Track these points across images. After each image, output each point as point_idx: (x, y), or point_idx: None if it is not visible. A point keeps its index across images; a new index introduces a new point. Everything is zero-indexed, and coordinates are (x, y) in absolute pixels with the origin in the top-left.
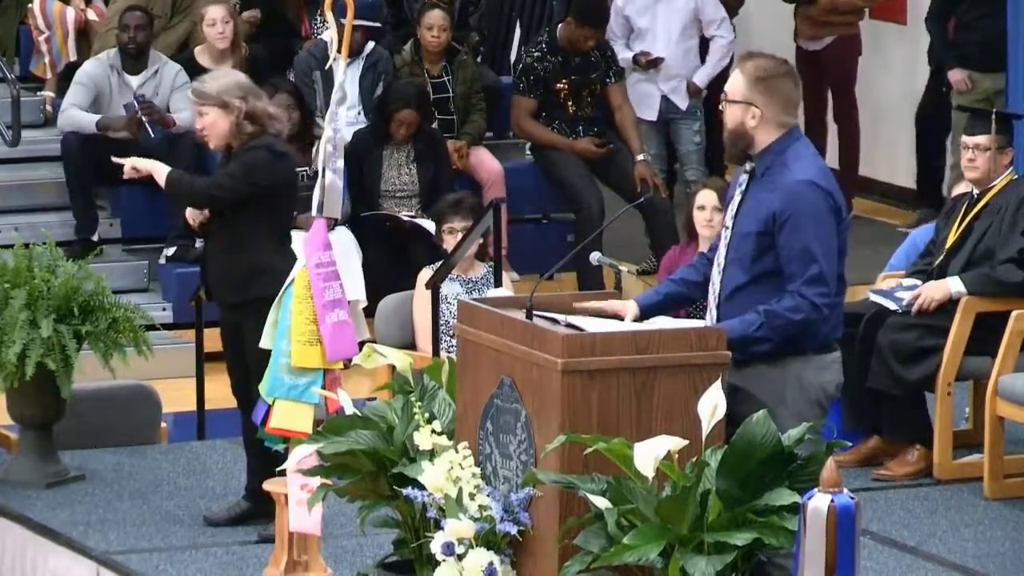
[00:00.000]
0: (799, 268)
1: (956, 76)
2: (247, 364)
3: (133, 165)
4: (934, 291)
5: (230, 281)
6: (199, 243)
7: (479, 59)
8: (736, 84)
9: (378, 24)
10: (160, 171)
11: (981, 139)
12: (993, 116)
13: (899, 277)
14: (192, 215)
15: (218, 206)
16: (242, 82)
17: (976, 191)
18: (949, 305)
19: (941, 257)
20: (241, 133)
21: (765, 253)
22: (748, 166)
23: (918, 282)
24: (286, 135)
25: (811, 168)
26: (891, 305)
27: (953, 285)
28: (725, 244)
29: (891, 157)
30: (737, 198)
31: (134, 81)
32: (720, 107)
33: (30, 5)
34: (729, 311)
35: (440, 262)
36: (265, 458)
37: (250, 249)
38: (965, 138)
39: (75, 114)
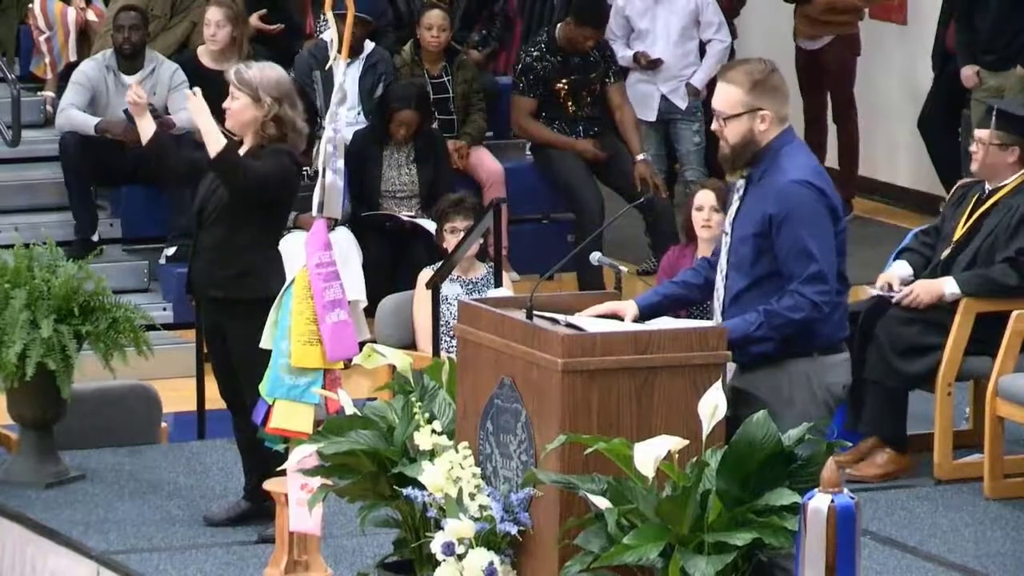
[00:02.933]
0: (797, 268)
1: (967, 72)
2: (232, 365)
3: (197, 116)
4: (925, 294)
5: (218, 276)
6: None
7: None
8: (733, 97)
9: (368, 18)
10: (217, 140)
11: (983, 133)
12: (994, 112)
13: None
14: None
15: (248, 185)
16: (283, 83)
17: (988, 187)
18: (952, 304)
19: (948, 251)
20: (262, 132)
21: (763, 256)
22: (745, 171)
23: (909, 269)
24: (300, 150)
25: (804, 168)
26: (888, 293)
27: (947, 286)
28: (726, 249)
29: (891, 157)
30: (736, 203)
31: (131, 81)
32: (713, 126)
33: (30, 5)
34: (734, 314)
35: (440, 262)
36: (261, 457)
37: (243, 248)
38: (974, 130)
39: (73, 114)
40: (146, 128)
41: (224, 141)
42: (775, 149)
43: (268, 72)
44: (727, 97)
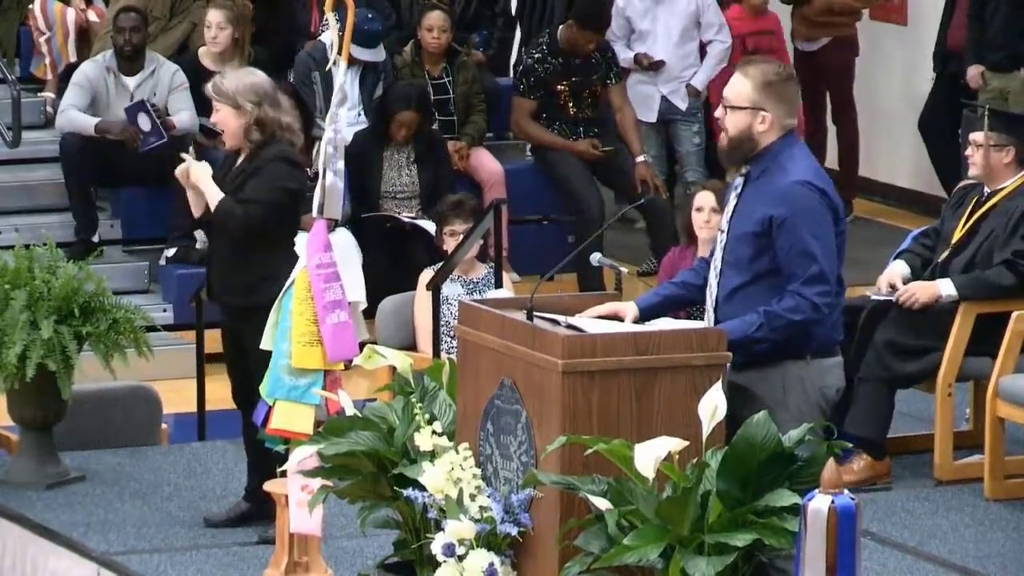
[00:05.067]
0: (799, 268)
1: (972, 72)
2: (248, 368)
3: (194, 182)
4: (922, 294)
5: (236, 284)
6: (199, 244)
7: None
8: (742, 90)
9: (379, 59)
10: (214, 195)
11: (977, 136)
12: (986, 112)
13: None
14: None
15: (264, 229)
16: (260, 86)
17: (987, 189)
18: (947, 305)
19: (946, 253)
20: (248, 138)
21: (762, 255)
22: (744, 169)
23: (908, 269)
24: (298, 147)
25: (806, 169)
26: (889, 296)
27: (944, 288)
28: (721, 247)
29: (891, 158)
30: (733, 201)
31: (131, 82)
32: (717, 113)
33: (31, 6)
34: (728, 313)
35: (441, 263)
36: (266, 459)
37: (258, 254)
38: (969, 134)
39: (73, 115)
40: (199, 201)
41: (219, 196)
42: (775, 151)
43: (244, 77)
44: (737, 88)
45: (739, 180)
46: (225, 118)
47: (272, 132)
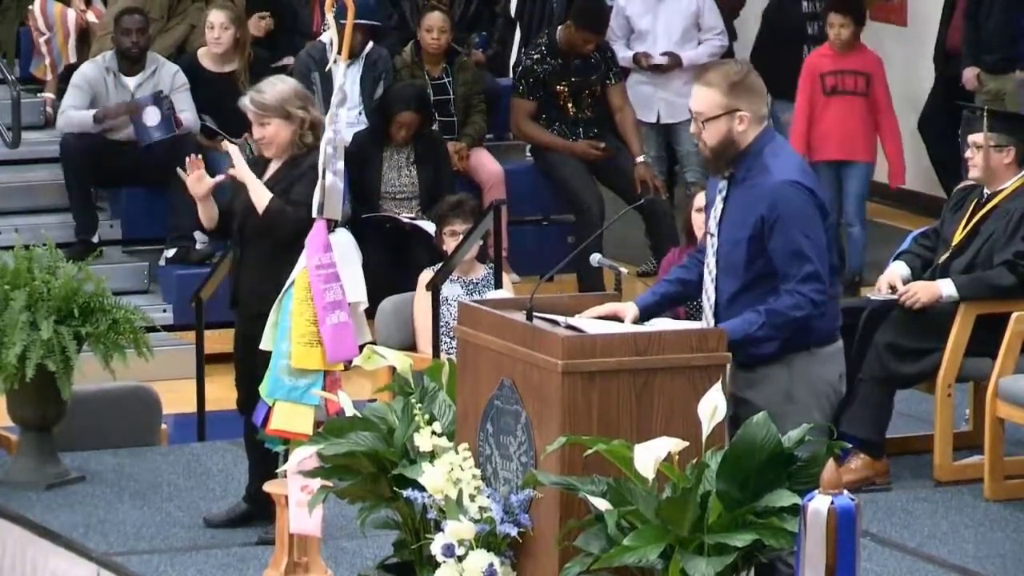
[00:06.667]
0: (793, 268)
1: (968, 74)
2: (258, 376)
3: (240, 177)
4: (923, 293)
5: (259, 292)
6: (199, 244)
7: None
8: (710, 99)
9: (378, 23)
10: (262, 195)
11: (977, 136)
12: (985, 113)
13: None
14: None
15: (297, 226)
16: (299, 90)
17: (987, 191)
18: (948, 306)
19: (946, 255)
20: (301, 143)
21: (757, 258)
22: (727, 171)
23: (907, 270)
24: None
25: (791, 167)
26: (890, 296)
27: (944, 288)
28: (713, 252)
29: None
30: (719, 205)
31: (131, 83)
32: (692, 129)
33: (30, 7)
34: (729, 316)
35: (440, 264)
36: (267, 461)
37: (284, 263)
38: (968, 136)
39: (73, 115)
40: (210, 211)
41: (269, 195)
42: (756, 150)
43: (280, 87)
44: (705, 99)
45: (723, 183)
46: (276, 131)
47: (319, 133)
